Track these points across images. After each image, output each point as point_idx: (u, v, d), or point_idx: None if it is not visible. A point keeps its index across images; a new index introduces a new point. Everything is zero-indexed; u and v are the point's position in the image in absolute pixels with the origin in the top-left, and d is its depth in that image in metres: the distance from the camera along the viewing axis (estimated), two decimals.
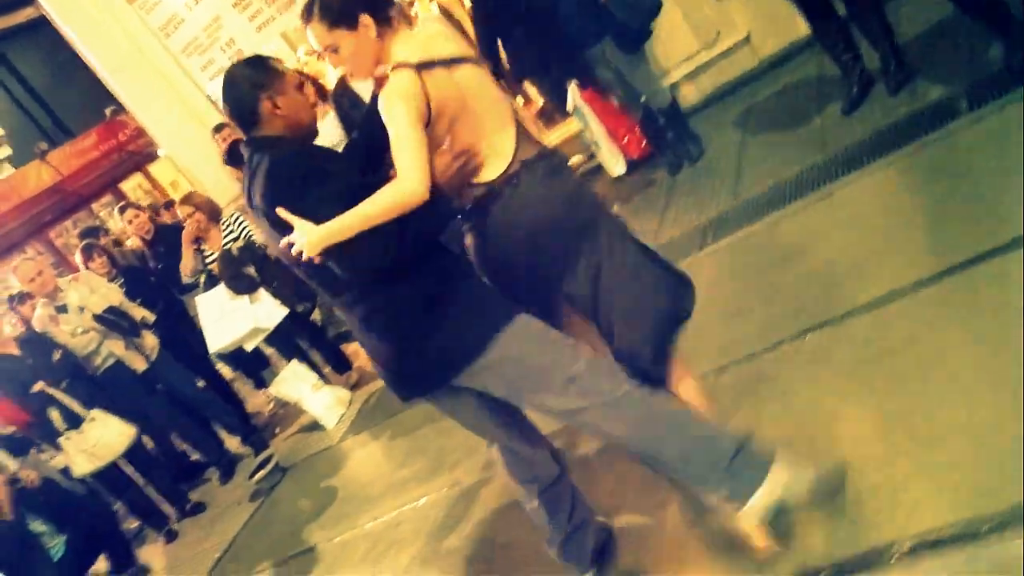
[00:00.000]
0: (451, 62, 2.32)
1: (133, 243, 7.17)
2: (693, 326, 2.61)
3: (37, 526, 5.56)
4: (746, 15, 6.01)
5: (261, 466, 5.61)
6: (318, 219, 2.15)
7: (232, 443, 6.32)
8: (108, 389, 5.78)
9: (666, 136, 5.57)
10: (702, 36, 6.17)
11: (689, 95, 6.31)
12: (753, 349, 3.22)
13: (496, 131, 2.39)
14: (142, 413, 5.87)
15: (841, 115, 4.53)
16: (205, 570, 4.95)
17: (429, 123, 2.25)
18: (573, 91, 5.98)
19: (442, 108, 2.27)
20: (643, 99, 5.46)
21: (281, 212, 2.19)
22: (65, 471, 5.70)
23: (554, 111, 7.20)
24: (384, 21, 2.34)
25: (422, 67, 2.25)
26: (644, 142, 6.02)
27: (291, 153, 2.29)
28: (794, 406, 2.82)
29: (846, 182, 3.92)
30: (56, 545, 5.58)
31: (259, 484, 5.51)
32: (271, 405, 6.92)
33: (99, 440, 5.53)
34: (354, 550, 3.96)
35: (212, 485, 6.20)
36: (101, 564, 5.80)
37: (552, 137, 7.02)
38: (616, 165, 6.11)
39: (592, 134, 6.08)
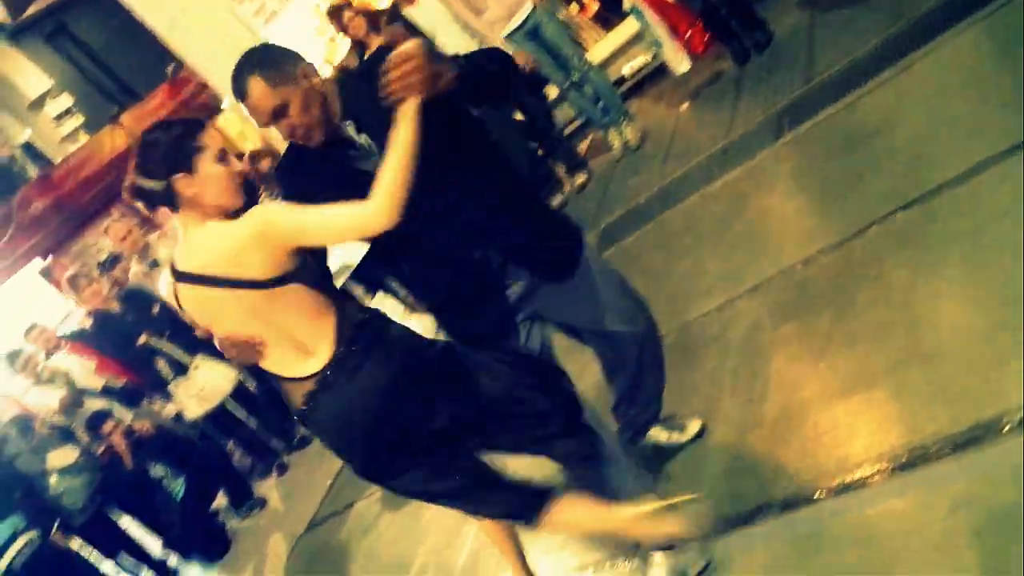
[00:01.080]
0: (211, 281, 2.02)
1: None
2: (779, 218, 2.53)
3: (157, 471, 5.89)
4: None
5: None
6: None
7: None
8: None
9: (730, 26, 5.39)
10: None
11: None
12: (843, 235, 3.15)
13: (288, 336, 2.08)
14: None
15: None
16: (319, 497, 5.19)
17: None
18: None
19: (200, 312, 2.11)
20: None
21: None
22: (178, 417, 5.98)
23: (610, 14, 7.02)
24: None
25: (179, 277, 2.07)
26: (707, 35, 5.83)
27: None
28: (890, 289, 2.76)
29: (926, 51, 3.74)
30: (177, 486, 5.91)
31: None
32: None
33: (206, 384, 5.77)
34: None
35: None
36: (220, 500, 6.12)
37: (612, 40, 6.85)
38: (680, 62, 5.95)
39: (652, 33, 5.91)
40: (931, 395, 2.30)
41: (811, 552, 2.22)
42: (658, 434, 2.81)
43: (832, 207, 3.44)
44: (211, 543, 5.83)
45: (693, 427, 2.85)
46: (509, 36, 5.51)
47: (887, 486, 2.20)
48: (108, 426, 5.72)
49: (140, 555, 6.22)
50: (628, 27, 6.60)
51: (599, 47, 6.87)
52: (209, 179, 2.02)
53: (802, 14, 5.21)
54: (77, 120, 12.75)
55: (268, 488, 6.06)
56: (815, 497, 2.33)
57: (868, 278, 2.88)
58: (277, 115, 2.09)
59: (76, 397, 5.93)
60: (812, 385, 2.68)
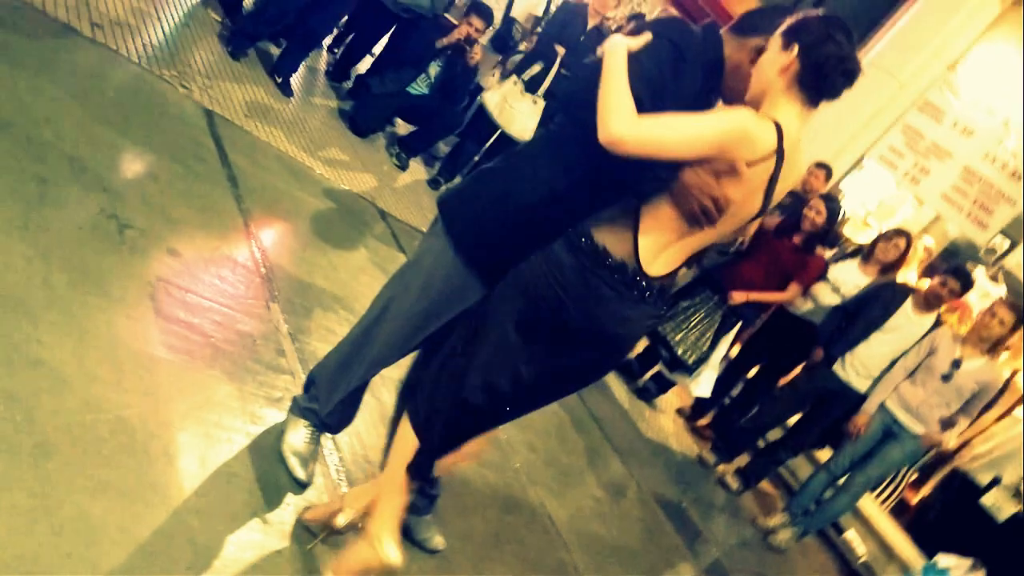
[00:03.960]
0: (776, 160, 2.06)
1: None
2: None
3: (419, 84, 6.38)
4: None
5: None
6: None
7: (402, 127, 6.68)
8: None
9: None
10: None
11: None
12: None
13: (702, 235, 2.09)
14: None
15: None
16: (320, 170, 5.42)
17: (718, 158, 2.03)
18: None
19: (732, 161, 2.03)
20: None
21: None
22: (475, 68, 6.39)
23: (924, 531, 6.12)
24: (808, 86, 2.08)
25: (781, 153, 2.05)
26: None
27: None
28: None
29: None
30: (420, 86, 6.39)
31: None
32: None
33: (515, 110, 6.12)
34: None
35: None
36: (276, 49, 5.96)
37: (888, 529, 6.05)
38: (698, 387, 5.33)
39: None
40: None
41: None
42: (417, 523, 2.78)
43: None
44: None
45: (437, 542, 2.81)
46: None
47: None
48: (468, 26, 6.19)
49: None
50: (911, 553, 5.82)
51: (878, 512, 6.19)
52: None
53: None
54: None
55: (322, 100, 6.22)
56: None
57: None
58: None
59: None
60: None
